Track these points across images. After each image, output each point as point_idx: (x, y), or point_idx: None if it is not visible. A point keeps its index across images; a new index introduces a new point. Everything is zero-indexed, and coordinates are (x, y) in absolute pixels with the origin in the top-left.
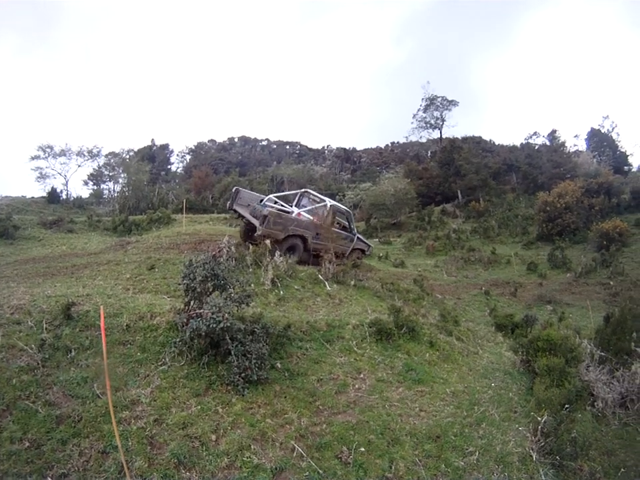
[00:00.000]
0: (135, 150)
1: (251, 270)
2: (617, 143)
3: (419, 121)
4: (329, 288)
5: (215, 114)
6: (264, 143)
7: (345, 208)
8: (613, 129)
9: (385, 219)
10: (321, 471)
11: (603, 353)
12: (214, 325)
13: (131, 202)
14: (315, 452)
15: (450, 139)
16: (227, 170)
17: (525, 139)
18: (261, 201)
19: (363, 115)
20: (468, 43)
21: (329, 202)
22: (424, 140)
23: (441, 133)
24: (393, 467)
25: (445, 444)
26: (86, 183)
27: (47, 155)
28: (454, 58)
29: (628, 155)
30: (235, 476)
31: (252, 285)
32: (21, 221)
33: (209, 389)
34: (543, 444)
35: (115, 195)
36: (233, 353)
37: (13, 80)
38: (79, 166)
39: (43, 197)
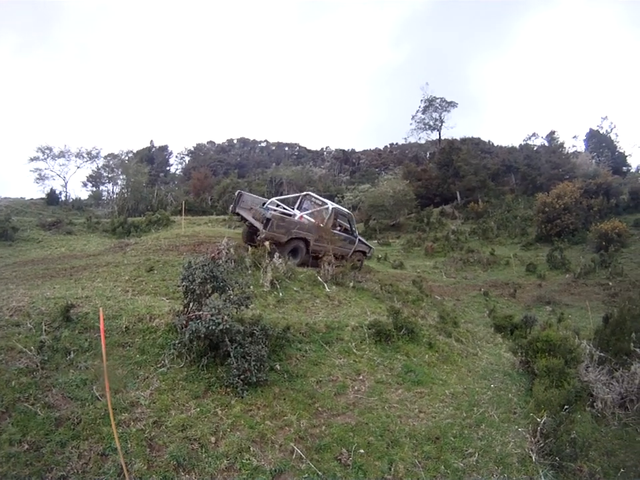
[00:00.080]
0: (134, 151)
1: (250, 272)
2: (615, 143)
3: (418, 122)
4: (328, 290)
5: (213, 115)
6: (263, 144)
7: (347, 211)
8: (611, 130)
9: (383, 221)
10: (320, 473)
11: (602, 354)
12: (213, 327)
13: (129, 203)
14: (315, 454)
15: (449, 140)
16: (226, 171)
17: (524, 140)
18: (264, 204)
19: (361, 116)
20: (467, 44)
21: (331, 205)
22: (423, 141)
23: (439, 134)
24: (393, 469)
25: (445, 445)
26: (85, 185)
27: (46, 156)
28: (453, 59)
29: (626, 156)
30: (234, 478)
31: (251, 286)
32: (20, 222)
33: (208, 391)
34: (542, 445)
35: (114, 196)
36: (232, 354)
37: (13, 80)
38: (78, 167)
39: (42, 199)
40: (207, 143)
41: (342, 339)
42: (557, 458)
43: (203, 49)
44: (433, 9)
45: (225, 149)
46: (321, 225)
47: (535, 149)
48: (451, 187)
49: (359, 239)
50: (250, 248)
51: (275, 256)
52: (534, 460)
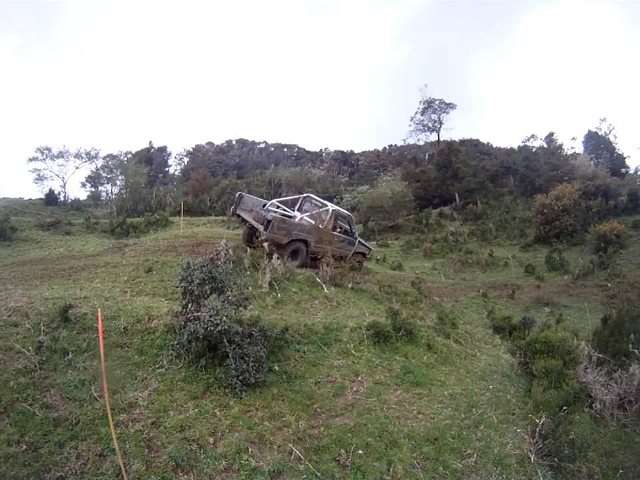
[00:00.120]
0: (133, 152)
1: (248, 273)
2: (614, 145)
3: (417, 124)
4: (326, 291)
5: (212, 116)
6: (262, 145)
7: (347, 212)
8: (610, 132)
9: (382, 222)
10: (318, 474)
11: (600, 355)
12: (211, 328)
13: (128, 204)
14: (313, 455)
15: (447, 141)
16: (225, 172)
17: (523, 141)
18: (264, 205)
19: (360, 117)
20: (466, 45)
21: (331, 206)
22: (422, 143)
23: (438, 135)
24: (391, 470)
25: (443, 446)
26: (84, 185)
27: (44, 156)
28: (452, 60)
29: (625, 158)
30: (232, 479)
31: (249, 287)
32: (19, 222)
33: (207, 392)
34: (541, 446)
35: (113, 197)
36: (230, 355)
37: (12, 80)
38: (77, 168)
39: (40, 199)
40: (206, 143)
41: (340, 340)
42: (555, 459)
43: (203, 49)
44: (432, 9)
45: (224, 150)
46: (321, 227)
47: (533, 150)
48: (449, 188)
49: (359, 241)
50: (249, 249)
51: (274, 257)
52: (532, 461)
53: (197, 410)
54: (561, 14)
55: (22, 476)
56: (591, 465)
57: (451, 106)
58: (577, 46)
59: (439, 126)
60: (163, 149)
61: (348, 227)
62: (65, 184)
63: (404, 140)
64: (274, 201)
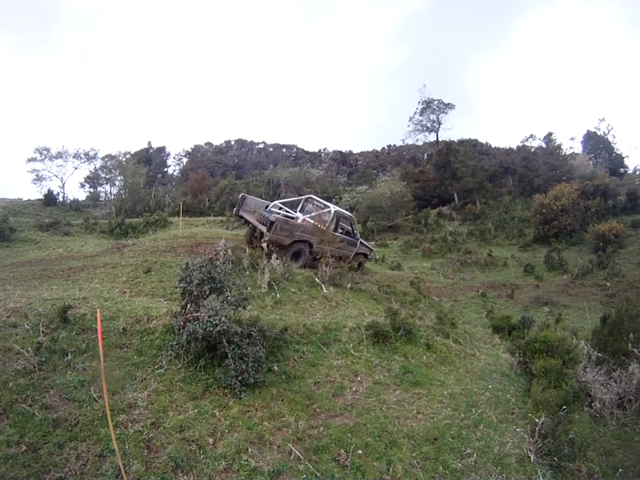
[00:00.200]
0: (132, 152)
1: (247, 273)
2: (612, 145)
3: (416, 124)
4: (325, 291)
5: (211, 117)
6: (260, 145)
7: (349, 214)
8: (608, 132)
9: (381, 222)
10: (318, 474)
11: (600, 354)
12: (211, 328)
13: (127, 205)
14: (313, 455)
15: (446, 141)
16: (224, 173)
17: (521, 141)
18: (267, 207)
19: (359, 117)
20: (465, 45)
21: (333, 208)
22: (420, 143)
23: (437, 135)
24: (391, 470)
25: (443, 446)
26: (82, 186)
27: (43, 157)
28: (451, 60)
29: (624, 157)
30: (232, 479)
31: (249, 288)
32: (18, 223)
33: (206, 392)
34: (540, 445)
35: (112, 197)
36: (229, 356)
37: (12, 80)
38: (76, 168)
39: (39, 200)
40: (205, 144)
41: (340, 340)
42: (555, 458)
43: (202, 49)
44: (432, 9)
45: (223, 150)
46: (323, 228)
47: (532, 150)
48: (448, 188)
49: (360, 242)
50: (248, 249)
51: (273, 257)
52: (532, 460)
53: (196, 410)
54: (560, 14)
55: (21, 477)
56: (590, 464)
57: (449, 106)
58: (575, 46)
59: (437, 126)
60: (161, 149)
61: (350, 228)
62: (63, 184)
63: (403, 140)
64: (276, 202)
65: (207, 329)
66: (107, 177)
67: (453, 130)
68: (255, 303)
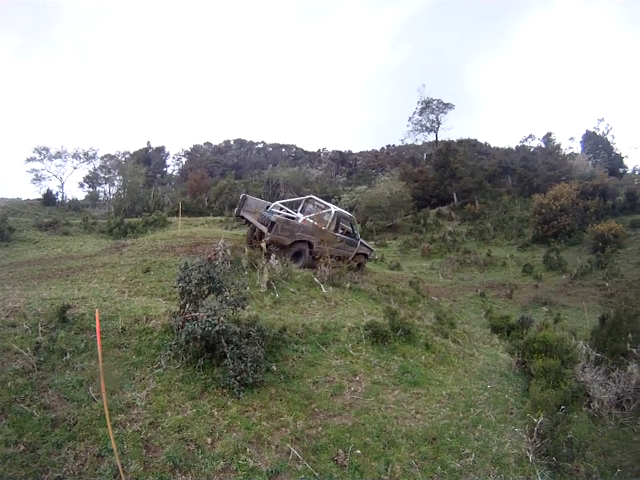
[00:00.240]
0: (131, 152)
1: (246, 273)
2: (612, 145)
3: (415, 124)
4: (324, 291)
5: (210, 117)
6: (260, 145)
7: (349, 214)
8: (608, 132)
9: (380, 222)
10: (316, 474)
11: (598, 354)
12: (209, 328)
13: (126, 204)
14: (311, 455)
15: (445, 141)
16: (223, 173)
17: (521, 141)
18: (268, 207)
19: (358, 117)
20: (464, 46)
21: (334, 208)
22: (420, 143)
23: (436, 135)
24: (389, 469)
25: (441, 446)
26: (81, 185)
27: (42, 156)
28: (450, 60)
29: (623, 157)
30: (230, 479)
31: (247, 287)
32: (17, 223)
33: (205, 392)
34: (539, 445)
35: (111, 197)
36: (228, 355)
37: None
38: (75, 168)
39: (38, 199)
40: (204, 144)
41: (338, 340)
42: (553, 458)
43: (201, 49)
44: (431, 9)
45: (222, 150)
46: (324, 228)
47: (531, 150)
48: (447, 188)
49: (361, 242)
50: (247, 249)
51: (272, 257)
52: (531, 460)
53: (194, 410)
54: (560, 14)
55: (20, 477)
56: (589, 464)
57: (449, 106)
58: (575, 46)
59: (436, 126)
60: (160, 149)
61: (350, 229)
62: (62, 184)
63: (402, 140)
64: (277, 202)
65: (206, 329)
66: (106, 176)
67: (452, 130)
68: (253, 302)
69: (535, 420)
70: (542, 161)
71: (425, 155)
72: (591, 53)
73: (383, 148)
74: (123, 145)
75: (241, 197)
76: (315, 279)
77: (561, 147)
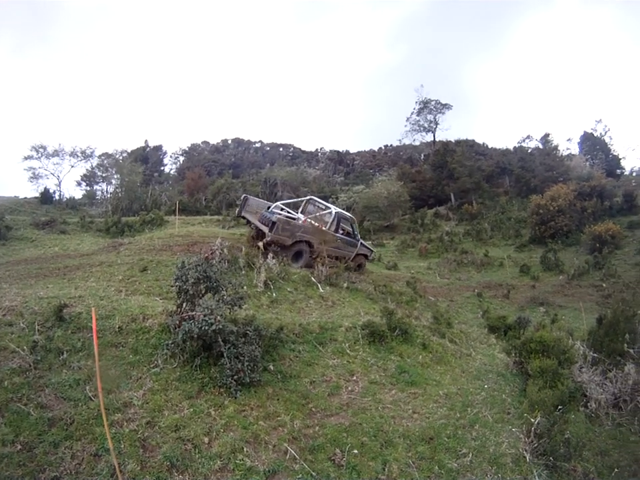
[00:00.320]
0: (129, 151)
1: (243, 272)
2: (609, 146)
3: (413, 124)
4: (321, 290)
5: (208, 115)
6: (257, 145)
7: (349, 215)
8: (605, 133)
9: (378, 222)
10: (314, 474)
11: (595, 354)
12: (206, 327)
13: (123, 203)
14: (308, 454)
15: (443, 142)
16: (220, 172)
17: (518, 142)
18: (269, 207)
19: (356, 117)
20: (462, 46)
21: (334, 209)
22: (417, 143)
23: (434, 136)
24: (386, 469)
25: (438, 446)
26: (79, 184)
27: (40, 155)
28: (448, 61)
29: (620, 159)
30: (227, 479)
31: (244, 287)
32: (14, 221)
33: (202, 392)
34: (536, 445)
35: (108, 196)
36: (225, 355)
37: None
38: (72, 166)
39: (35, 198)
40: (202, 143)
41: (335, 339)
42: (550, 458)
43: (199, 48)
44: (430, 9)
45: (220, 149)
46: (324, 229)
47: (529, 151)
48: (445, 188)
49: (361, 242)
50: (244, 248)
51: (269, 256)
52: (528, 460)
53: (191, 409)
54: (558, 15)
55: (16, 476)
56: (586, 464)
57: (446, 106)
58: (573, 47)
59: (434, 126)
60: (158, 148)
61: (350, 229)
62: (60, 182)
63: (400, 140)
64: (278, 203)
65: (203, 328)
66: (104, 175)
67: (450, 130)
68: (250, 302)
69: (532, 420)
70: (539, 162)
71: (422, 155)
72: (589, 54)
73: (380, 148)
74: (121, 143)
75: (242, 198)
76: (313, 278)
77: (559, 147)
